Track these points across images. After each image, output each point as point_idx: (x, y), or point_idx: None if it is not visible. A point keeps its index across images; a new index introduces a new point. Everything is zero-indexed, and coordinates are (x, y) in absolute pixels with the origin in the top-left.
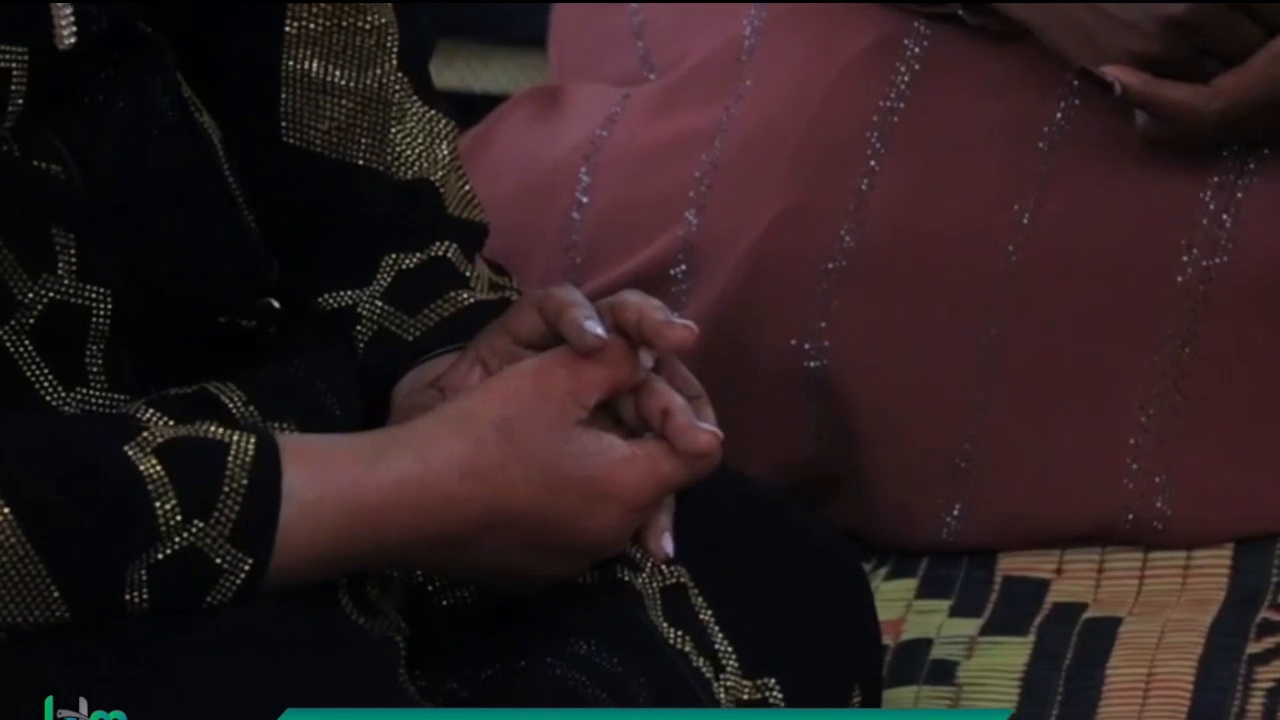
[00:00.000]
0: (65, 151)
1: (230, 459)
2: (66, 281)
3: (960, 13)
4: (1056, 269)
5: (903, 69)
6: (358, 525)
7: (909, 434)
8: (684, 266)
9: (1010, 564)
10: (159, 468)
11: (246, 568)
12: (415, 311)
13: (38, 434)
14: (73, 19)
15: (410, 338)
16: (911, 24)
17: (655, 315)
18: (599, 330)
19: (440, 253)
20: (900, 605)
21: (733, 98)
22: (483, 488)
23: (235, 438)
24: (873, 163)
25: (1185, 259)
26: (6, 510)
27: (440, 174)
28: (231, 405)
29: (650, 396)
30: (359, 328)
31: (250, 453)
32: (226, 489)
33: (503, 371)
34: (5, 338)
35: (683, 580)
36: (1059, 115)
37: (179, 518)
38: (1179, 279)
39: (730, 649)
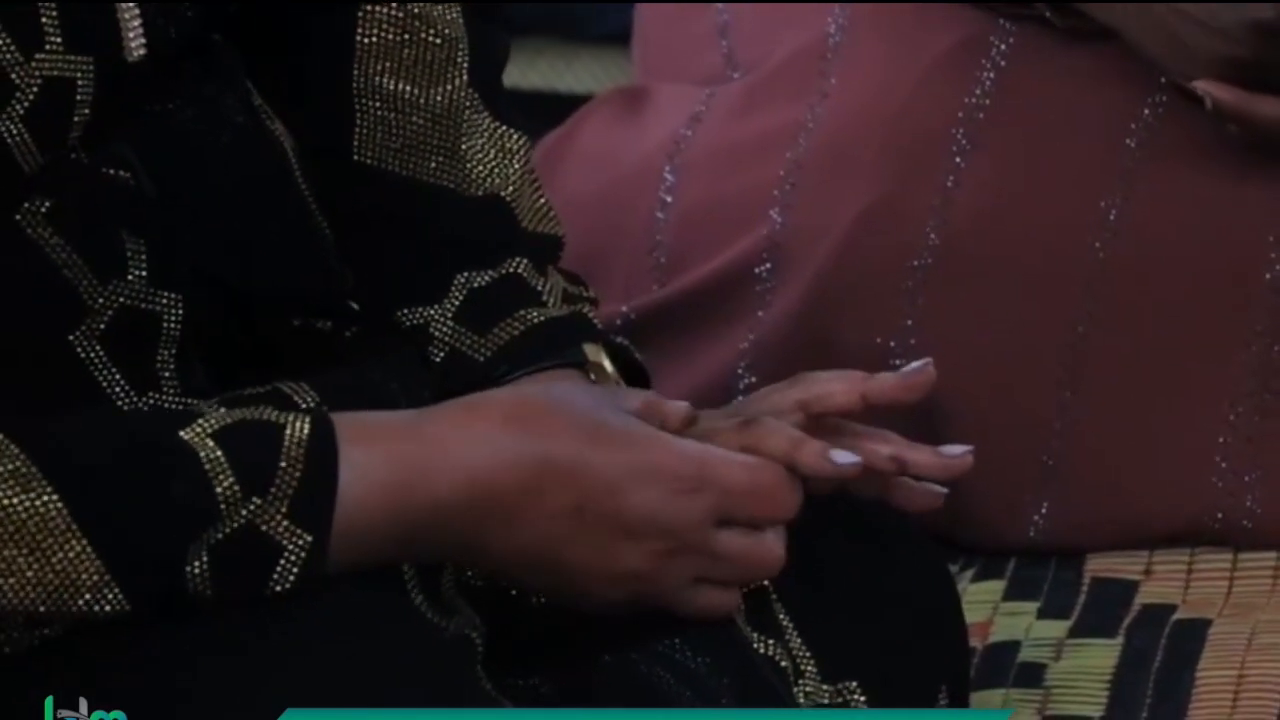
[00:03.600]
0: (134, 159)
1: (287, 435)
2: (137, 287)
3: (1048, 14)
4: (1144, 266)
5: (988, 66)
6: (411, 480)
7: (996, 433)
8: (769, 265)
9: (1098, 565)
10: (217, 451)
11: (307, 544)
12: (485, 332)
13: (91, 424)
14: (141, 30)
15: (480, 359)
16: (997, 22)
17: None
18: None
19: (512, 269)
20: (988, 607)
21: (817, 96)
22: (526, 432)
23: (291, 418)
24: (959, 160)
25: (1274, 255)
26: (56, 497)
27: (511, 189)
28: (303, 404)
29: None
30: (431, 348)
31: (306, 430)
32: (283, 464)
33: None
34: (76, 343)
35: (764, 584)
36: (1146, 112)
37: (238, 495)
38: (1267, 276)
39: (808, 653)
